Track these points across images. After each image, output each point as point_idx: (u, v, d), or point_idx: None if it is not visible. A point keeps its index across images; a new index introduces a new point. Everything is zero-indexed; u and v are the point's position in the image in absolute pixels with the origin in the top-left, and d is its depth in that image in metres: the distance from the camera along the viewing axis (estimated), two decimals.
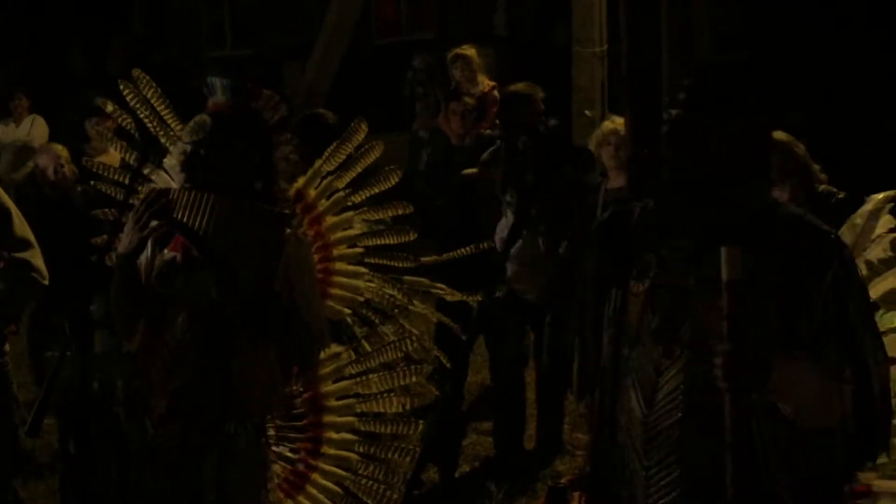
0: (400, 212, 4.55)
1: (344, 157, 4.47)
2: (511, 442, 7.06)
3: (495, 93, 9.17)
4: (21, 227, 4.86)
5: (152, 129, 4.39)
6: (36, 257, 4.86)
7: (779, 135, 5.77)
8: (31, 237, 4.90)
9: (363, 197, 4.48)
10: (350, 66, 12.94)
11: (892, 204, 4.94)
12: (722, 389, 2.82)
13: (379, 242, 4.49)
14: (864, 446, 2.97)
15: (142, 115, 4.39)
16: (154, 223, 3.71)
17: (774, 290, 2.92)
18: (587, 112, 8.46)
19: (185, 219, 3.69)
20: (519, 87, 7.46)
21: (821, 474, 2.96)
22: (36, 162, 7.63)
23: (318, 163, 4.47)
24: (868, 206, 5.11)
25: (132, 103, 4.42)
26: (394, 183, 4.51)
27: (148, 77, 4.44)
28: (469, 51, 9.18)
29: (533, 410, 7.24)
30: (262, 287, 3.67)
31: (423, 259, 4.60)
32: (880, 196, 5.22)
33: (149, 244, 3.83)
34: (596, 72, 10.20)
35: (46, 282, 4.93)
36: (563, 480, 6.32)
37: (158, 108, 4.40)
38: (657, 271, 3.05)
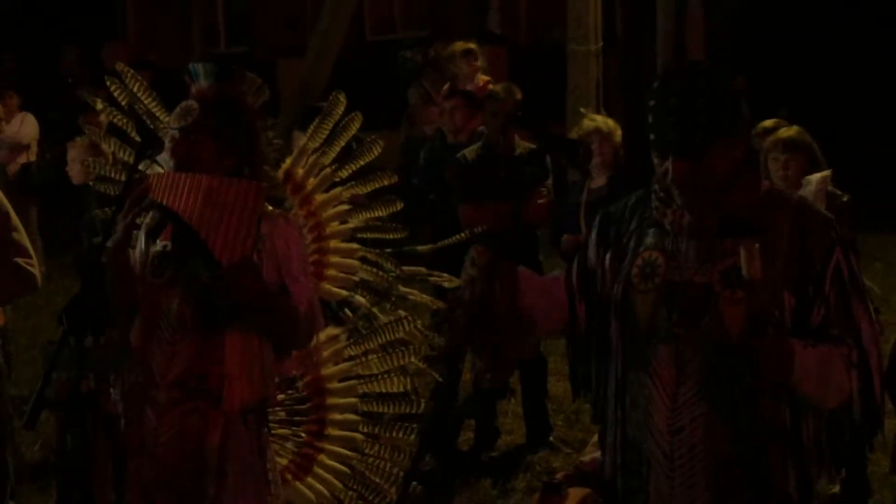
0: (385, 182, 4.57)
1: (327, 132, 4.50)
2: (484, 439, 7.15)
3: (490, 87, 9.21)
4: (18, 231, 4.86)
5: (143, 124, 4.40)
6: (30, 264, 4.86)
7: (800, 134, 5.83)
8: (27, 242, 4.90)
9: (349, 171, 4.52)
10: (344, 63, 12.94)
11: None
12: (752, 381, 2.94)
13: (368, 215, 4.53)
14: (870, 422, 3.11)
15: (138, 110, 4.40)
16: (136, 209, 3.71)
17: (788, 277, 3.00)
18: (582, 110, 8.47)
19: (165, 201, 3.68)
20: (497, 88, 7.49)
21: (837, 451, 3.11)
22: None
23: (302, 140, 4.50)
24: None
25: (120, 99, 4.44)
26: (376, 153, 4.55)
27: (133, 72, 4.46)
28: (475, 45, 9.29)
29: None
30: (243, 261, 3.64)
31: (419, 248, 4.65)
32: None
33: (141, 236, 3.83)
34: (591, 70, 10.23)
35: (36, 287, 4.94)
36: (558, 476, 6.34)
37: (147, 102, 4.42)
38: (668, 268, 3.09)
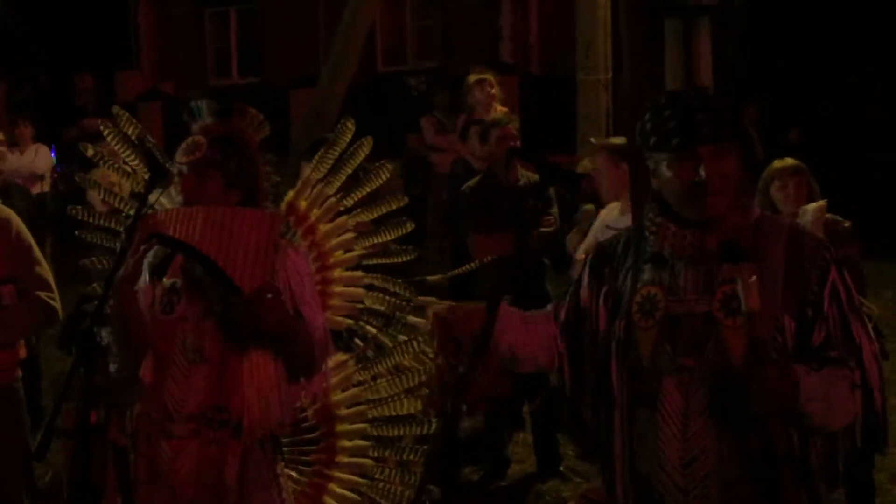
0: (393, 207, 4.58)
1: (332, 162, 4.50)
2: (495, 468, 7.15)
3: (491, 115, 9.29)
4: (41, 265, 4.90)
5: (132, 168, 4.41)
6: (52, 298, 4.90)
7: (797, 162, 5.87)
8: (50, 276, 4.93)
9: (355, 199, 4.52)
10: (355, 94, 13.02)
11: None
12: (758, 411, 2.94)
13: (374, 241, 4.53)
14: (873, 441, 3.13)
15: (126, 153, 4.41)
16: (145, 245, 3.73)
17: (786, 301, 3.04)
18: (592, 139, 8.50)
19: (179, 234, 3.69)
20: (498, 114, 7.51)
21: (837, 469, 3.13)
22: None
23: (306, 172, 4.51)
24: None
25: (112, 142, 4.44)
26: (384, 179, 4.55)
27: (128, 114, 4.46)
28: (490, 75, 9.37)
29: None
30: (265, 287, 3.67)
31: (429, 278, 4.66)
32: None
33: (144, 273, 3.85)
34: (600, 99, 10.27)
35: (58, 320, 4.98)
36: None
37: (145, 145, 4.40)
38: (667, 302, 3.12)
